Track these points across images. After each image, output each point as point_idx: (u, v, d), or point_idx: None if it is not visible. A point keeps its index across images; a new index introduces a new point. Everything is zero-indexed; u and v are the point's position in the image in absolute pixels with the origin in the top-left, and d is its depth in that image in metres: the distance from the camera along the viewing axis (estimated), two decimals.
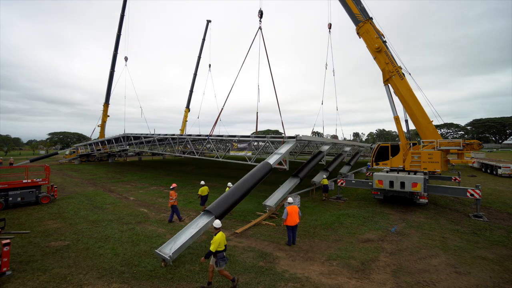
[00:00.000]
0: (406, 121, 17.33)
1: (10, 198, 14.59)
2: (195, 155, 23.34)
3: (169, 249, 8.18)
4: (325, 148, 21.60)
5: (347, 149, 27.67)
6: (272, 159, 13.93)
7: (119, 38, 46.59)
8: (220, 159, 20.98)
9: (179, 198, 17.54)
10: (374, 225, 11.73)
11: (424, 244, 9.59)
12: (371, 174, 19.46)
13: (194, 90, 59.93)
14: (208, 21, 56.75)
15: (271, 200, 14.23)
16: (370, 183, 15.82)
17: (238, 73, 24.33)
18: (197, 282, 6.94)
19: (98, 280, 7.06)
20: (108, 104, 47.77)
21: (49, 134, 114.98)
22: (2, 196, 14.39)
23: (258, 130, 26.10)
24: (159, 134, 28.09)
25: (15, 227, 11.41)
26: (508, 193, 18.32)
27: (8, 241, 7.33)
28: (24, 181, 15.43)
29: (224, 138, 20.88)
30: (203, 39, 57.19)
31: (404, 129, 17.36)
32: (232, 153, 19.58)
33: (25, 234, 10.54)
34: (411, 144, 16.97)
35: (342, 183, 16.89)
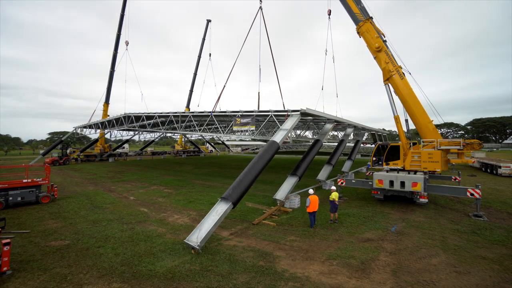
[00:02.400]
0: (406, 120, 17.32)
1: (10, 198, 14.61)
2: (197, 132, 23.57)
3: (196, 237, 8.98)
4: (328, 127, 21.33)
5: (349, 130, 27.05)
6: (277, 137, 13.91)
7: (119, 37, 46.53)
8: (223, 135, 21.75)
9: (179, 197, 17.58)
10: (374, 225, 11.74)
11: (424, 243, 9.59)
12: (371, 173, 19.45)
13: (194, 90, 59.92)
14: (208, 21, 56.67)
15: (280, 194, 14.70)
16: (370, 183, 15.82)
17: (239, 53, 24.23)
18: (197, 282, 6.95)
19: (99, 280, 7.07)
20: (108, 104, 47.77)
21: (49, 133, 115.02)
22: (3, 195, 14.40)
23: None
24: (161, 113, 27.45)
25: (16, 227, 11.43)
26: (508, 193, 18.31)
27: (8, 240, 7.35)
28: (24, 180, 15.44)
29: (227, 113, 20.69)
30: (203, 39, 57.12)
31: (404, 129, 17.36)
32: (235, 128, 19.51)
33: (25, 234, 10.56)
34: (411, 143, 16.97)
35: (342, 183, 16.88)
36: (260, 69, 23.26)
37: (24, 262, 8.08)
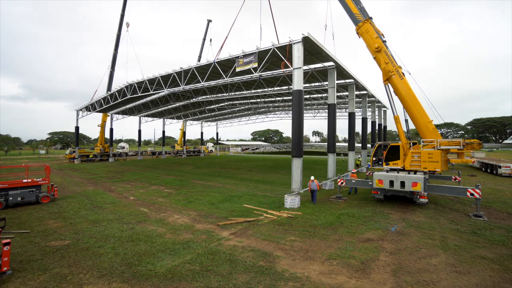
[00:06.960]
0: (406, 120, 17.33)
1: (10, 198, 14.61)
2: (201, 82, 24.72)
3: (295, 186, 14.82)
4: (333, 73, 20.80)
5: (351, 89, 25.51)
6: (296, 83, 15.50)
7: (119, 38, 46.50)
8: (227, 79, 23.95)
9: (179, 197, 17.59)
10: (374, 225, 11.74)
11: (424, 243, 9.59)
12: (371, 173, 19.45)
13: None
14: (209, 21, 56.61)
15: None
16: (370, 183, 15.82)
17: (241, 7, 24.54)
18: (197, 282, 6.96)
19: (99, 280, 7.08)
20: None
21: (49, 133, 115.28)
22: (3, 195, 14.40)
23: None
24: (165, 73, 27.08)
25: (16, 227, 11.43)
26: (508, 193, 18.32)
27: (8, 240, 7.34)
28: (24, 180, 15.45)
29: (230, 57, 20.91)
30: (204, 39, 57.04)
31: (404, 129, 17.37)
32: (238, 69, 19.82)
33: (26, 234, 10.56)
34: (411, 143, 16.97)
35: (342, 183, 16.89)
36: (261, 27, 23.74)
37: (24, 262, 8.08)
